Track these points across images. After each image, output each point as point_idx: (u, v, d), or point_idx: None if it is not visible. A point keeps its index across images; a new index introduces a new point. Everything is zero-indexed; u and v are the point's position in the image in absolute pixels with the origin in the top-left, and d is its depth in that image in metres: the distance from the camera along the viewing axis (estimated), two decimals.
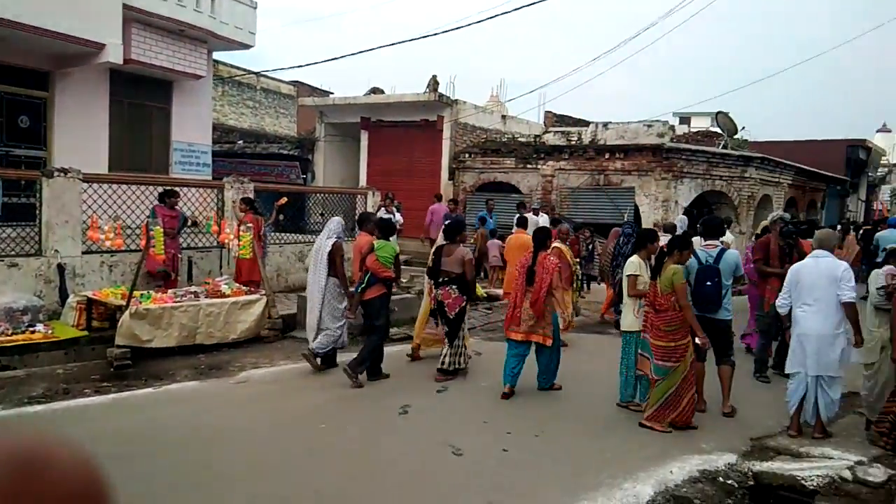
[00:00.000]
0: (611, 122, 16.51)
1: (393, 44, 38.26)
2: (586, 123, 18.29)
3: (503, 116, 20.44)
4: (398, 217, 13.01)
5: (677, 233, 8.97)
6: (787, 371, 6.23)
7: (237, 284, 9.02)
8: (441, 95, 17.46)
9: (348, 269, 8.04)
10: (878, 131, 42.53)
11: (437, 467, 5.06)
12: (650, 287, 6.14)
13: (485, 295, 8.96)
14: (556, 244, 7.97)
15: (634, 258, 6.57)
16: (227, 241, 9.68)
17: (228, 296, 8.61)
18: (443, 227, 8.04)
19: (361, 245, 7.50)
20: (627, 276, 6.49)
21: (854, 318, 5.74)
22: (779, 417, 6.26)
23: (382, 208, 13.23)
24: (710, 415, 6.44)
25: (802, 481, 5.07)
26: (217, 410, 6.17)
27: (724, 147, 17.88)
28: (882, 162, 35.47)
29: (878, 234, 14.10)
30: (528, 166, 16.67)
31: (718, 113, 19.01)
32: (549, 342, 6.74)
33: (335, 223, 7.52)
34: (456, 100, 17.98)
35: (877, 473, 5.08)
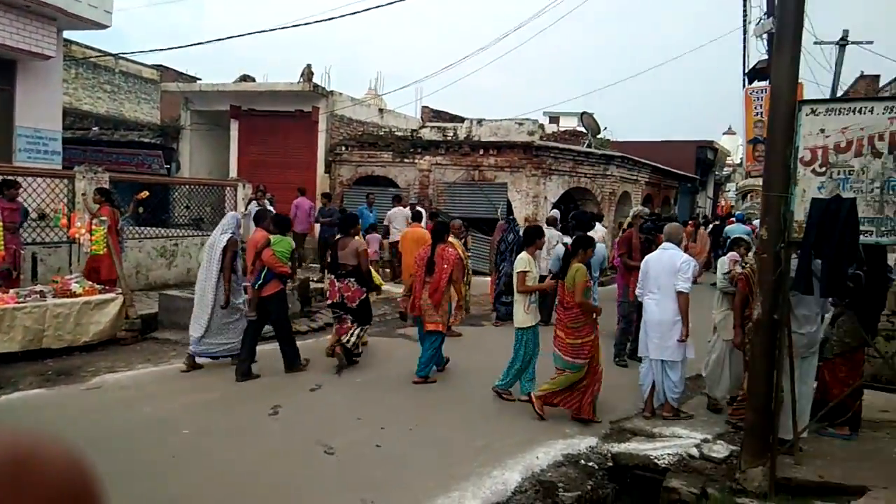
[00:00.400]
0: (485, 119, 16.91)
1: (264, 31, 36.85)
2: (462, 119, 18.61)
3: (381, 110, 20.34)
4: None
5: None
6: (638, 355, 6.70)
7: (89, 283, 8.31)
8: (316, 86, 17.07)
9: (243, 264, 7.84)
10: (724, 133, 46.75)
11: (308, 468, 4.95)
12: (558, 286, 6.30)
13: (382, 284, 9.16)
14: (451, 239, 8.06)
15: (524, 255, 6.62)
16: (77, 235, 8.90)
17: (80, 295, 7.92)
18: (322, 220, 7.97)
19: (257, 240, 7.39)
20: (517, 272, 6.50)
21: (684, 308, 6.18)
22: (635, 400, 6.69)
23: (254, 201, 12.71)
24: None
25: (655, 460, 5.45)
26: (64, 420, 5.65)
27: (589, 146, 18.88)
28: (727, 162, 39.00)
29: (726, 228, 15.60)
30: (406, 161, 16.71)
31: (583, 113, 20.03)
32: (441, 328, 7.15)
33: (230, 218, 7.39)
34: (332, 91, 17.65)
35: (719, 450, 5.58)
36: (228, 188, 13.30)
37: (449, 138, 16.51)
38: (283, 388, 6.76)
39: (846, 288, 4.76)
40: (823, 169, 4.65)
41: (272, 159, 17.46)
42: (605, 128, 21.41)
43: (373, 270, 7.98)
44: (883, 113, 4.52)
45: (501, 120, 16.79)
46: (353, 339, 7.35)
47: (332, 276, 7.58)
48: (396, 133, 17.64)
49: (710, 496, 4.78)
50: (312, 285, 11.32)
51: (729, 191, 40.08)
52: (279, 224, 7.44)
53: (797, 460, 5.06)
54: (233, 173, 17.24)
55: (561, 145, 17.04)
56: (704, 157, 29.08)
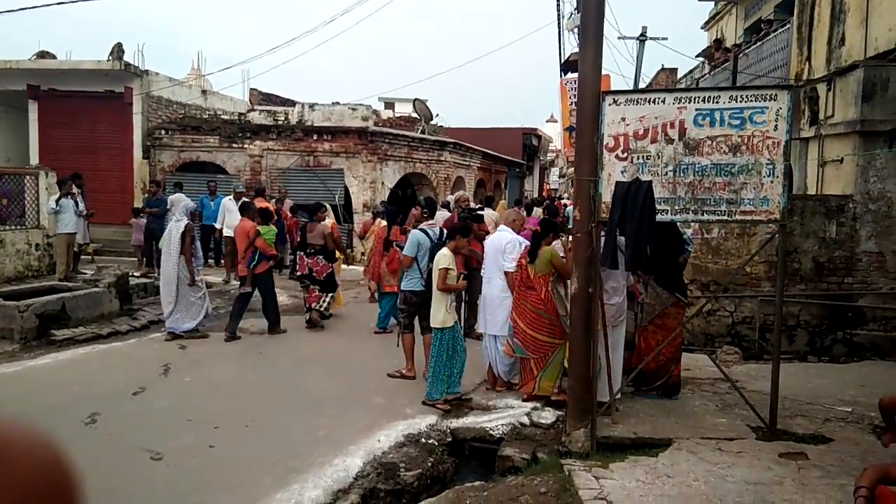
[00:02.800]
0: (317, 104, 16.54)
1: (63, 2, 32.87)
2: (294, 103, 18.06)
3: (203, 91, 19.17)
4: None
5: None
6: (478, 331, 7.01)
7: None
8: (128, 65, 15.69)
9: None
10: (547, 121, 49.69)
11: (131, 477, 4.60)
12: (523, 270, 6.20)
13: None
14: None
15: (446, 251, 6.31)
16: None
17: None
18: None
19: (247, 230, 8.60)
20: (439, 269, 6.17)
21: (511, 286, 6.54)
22: (472, 376, 6.96)
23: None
24: (418, 381, 6.91)
25: (491, 431, 5.75)
26: None
27: (422, 132, 19.21)
28: (550, 148, 41.58)
29: (567, 210, 16.58)
30: (234, 146, 15.93)
31: (416, 100, 20.33)
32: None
33: (182, 207, 8.34)
34: (146, 70, 16.33)
35: (547, 416, 5.99)
36: (28, 177, 11.84)
37: (280, 122, 15.98)
38: (102, 396, 6.20)
39: (648, 261, 5.29)
40: (625, 154, 5.12)
41: (80, 144, 15.85)
42: (438, 114, 21.90)
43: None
44: (673, 103, 5.07)
45: (335, 105, 16.55)
46: (324, 304, 9.12)
47: (302, 254, 9.20)
48: (223, 116, 16.73)
49: (539, 460, 5.14)
50: (133, 280, 10.47)
51: (553, 175, 42.84)
52: (264, 216, 8.97)
53: (615, 420, 5.58)
54: (34, 160, 15.38)
55: (396, 131, 17.17)
56: (530, 143, 30.81)
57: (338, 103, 16.99)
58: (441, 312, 6.22)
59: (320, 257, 9.01)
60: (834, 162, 9.09)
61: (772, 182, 4.96)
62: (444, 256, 6.23)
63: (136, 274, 11.20)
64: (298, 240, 9.43)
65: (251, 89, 20.78)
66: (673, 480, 4.28)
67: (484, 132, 27.16)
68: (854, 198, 8.34)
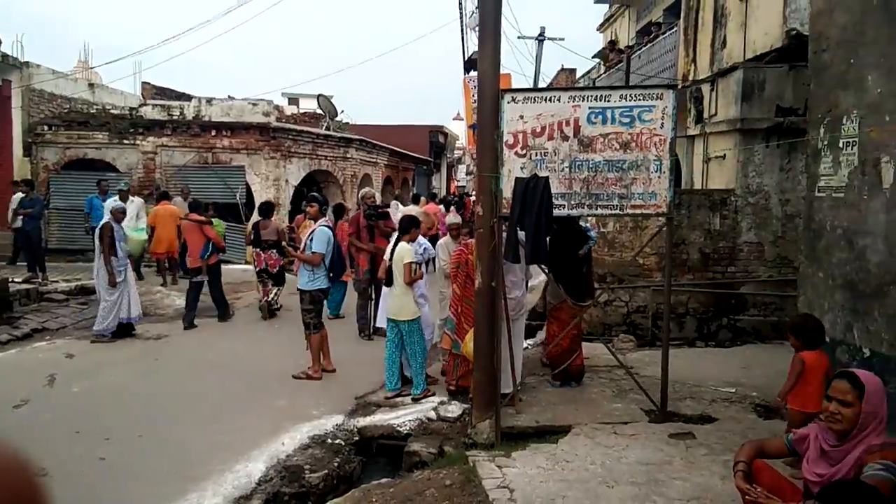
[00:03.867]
0: (215, 98, 15.90)
1: None
2: (189, 98, 17.28)
3: (91, 84, 18.04)
4: None
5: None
6: (378, 325, 7.00)
7: None
8: (5, 56, 14.52)
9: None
10: (454, 119, 50.10)
11: None
12: (469, 266, 6.12)
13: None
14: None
15: (406, 245, 6.33)
16: None
17: None
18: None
19: (203, 227, 9.27)
20: (404, 263, 6.17)
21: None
22: (380, 374, 6.92)
23: None
24: (324, 382, 6.82)
25: (398, 428, 5.76)
26: None
27: (328, 129, 18.92)
28: (457, 146, 42.02)
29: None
30: (126, 142, 15.06)
31: (320, 95, 19.98)
32: (348, 279, 8.92)
33: (113, 207, 8.50)
34: (27, 62, 15.19)
35: (454, 409, 6.07)
36: None
37: (175, 118, 15.24)
38: None
39: (547, 255, 5.45)
40: (524, 151, 5.26)
41: None
42: (343, 111, 21.63)
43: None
44: (568, 102, 5.25)
45: (234, 99, 15.97)
46: (275, 297, 9.86)
47: (258, 250, 9.70)
48: (112, 111, 15.77)
49: (445, 453, 5.20)
50: (14, 287, 9.71)
51: (460, 172, 43.30)
52: (218, 211, 10.17)
53: (518, 410, 5.72)
54: None
55: (299, 127, 16.79)
56: (437, 140, 31.02)
57: (234, 98, 16.40)
58: (411, 304, 6.32)
59: (274, 251, 9.59)
60: (717, 158, 9.70)
61: (659, 177, 5.23)
62: (407, 251, 6.28)
63: (16, 280, 10.39)
64: (252, 237, 9.91)
65: (143, 83, 19.71)
66: (571, 465, 4.44)
67: (391, 129, 27.09)
68: (735, 192, 8.93)
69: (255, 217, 10.41)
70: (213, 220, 9.59)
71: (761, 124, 8.76)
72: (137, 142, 15.06)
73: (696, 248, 8.92)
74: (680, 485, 4.11)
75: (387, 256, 6.44)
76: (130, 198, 11.67)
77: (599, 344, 7.40)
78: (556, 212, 5.18)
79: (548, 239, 5.98)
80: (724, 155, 9.39)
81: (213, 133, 15.09)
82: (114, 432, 5.29)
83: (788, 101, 8.64)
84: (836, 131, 4.91)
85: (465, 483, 4.26)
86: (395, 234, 6.39)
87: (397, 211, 9.91)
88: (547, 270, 6.17)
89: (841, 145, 4.86)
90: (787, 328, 4.71)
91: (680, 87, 10.31)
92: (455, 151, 40.66)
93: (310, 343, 6.92)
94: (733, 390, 6.26)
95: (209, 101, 15.46)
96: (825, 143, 5.05)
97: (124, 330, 8.41)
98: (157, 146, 15.08)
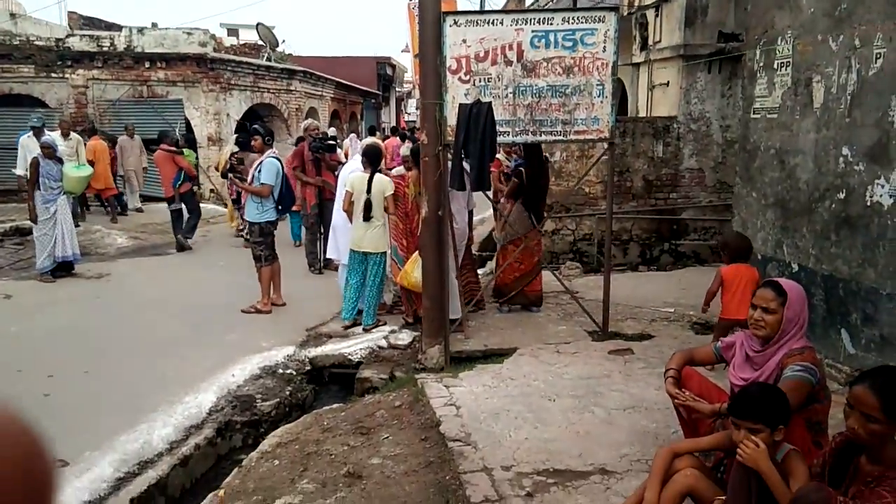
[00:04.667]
0: (147, 28, 15.04)
1: None
2: (120, 28, 16.30)
3: (12, 15, 16.79)
4: None
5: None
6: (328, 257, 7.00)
7: None
8: None
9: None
10: (402, 51, 48.79)
11: None
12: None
13: None
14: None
15: (384, 177, 6.29)
16: None
17: None
18: None
19: (175, 157, 9.71)
20: (386, 196, 6.14)
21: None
22: (330, 306, 6.97)
23: None
24: (273, 315, 6.81)
25: (350, 356, 5.85)
26: None
27: (269, 60, 18.21)
28: (406, 79, 41.09)
29: None
30: (54, 75, 14.21)
31: (259, 24, 19.11)
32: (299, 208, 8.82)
33: (42, 142, 8.30)
34: None
35: (404, 337, 6.17)
36: None
37: (106, 49, 14.40)
38: None
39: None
40: (468, 77, 5.19)
41: None
42: (284, 41, 20.78)
43: None
44: (511, 25, 5.17)
45: (167, 29, 15.14)
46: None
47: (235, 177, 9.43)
48: (37, 43, 14.79)
49: (396, 378, 5.32)
50: None
51: (410, 106, 42.53)
52: (188, 142, 10.99)
53: (467, 335, 5.86)
54: None
55: (239, 58, 16.10)
56: (385, 73, 30.23)
57: (166, 28, 15.52)
58: (387, 237, 6.39)
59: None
60: (661, 86, 9.79)
61: (602, 102, 5.26)
62: (388, 183, 6.26)
63: None
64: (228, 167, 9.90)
65: (69, 12, 18.47)
66: (515, 382, 4.61)
67: (337, 61, 26.22)
68: (678, 119, 9.07)
69: (233, 147, 9.99)
70: (183, 150, 10.07)
71: (704, 50, 8.84)
72: (66, 75, 14.22)
73: (639, 175, 9.10)
74: (617, 395, 4.33)
75: (349, 188, 6.28)
76: (71, 134, 11.11)
77: (546, 272, 7.57)
78: (500, 139, 5.18)
79: (523, 171, 6.05)
80: (668, 82, 9.47)
81: (147, 65, 14.36)
82: (57, 370, 5.21)
83: (730, 27, 8.72)
84: (772, 53, 5.00)
85: (413, 403, 4.39)
86: (370, 168, 6.21)
87: (356, 144, 9.75)
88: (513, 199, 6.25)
89: (776, 66, 4.96)
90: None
91: (626, 13, 10.26)
92: (404, 85, 39.80)
93: (260, 276, 6.87)
94: (672, 310, 6.52)
95: (140, 30, 14.64)
96: (760, 64, 5.14)
97: (64, 269, 8.16)
98: (88, 79, 14.29)
